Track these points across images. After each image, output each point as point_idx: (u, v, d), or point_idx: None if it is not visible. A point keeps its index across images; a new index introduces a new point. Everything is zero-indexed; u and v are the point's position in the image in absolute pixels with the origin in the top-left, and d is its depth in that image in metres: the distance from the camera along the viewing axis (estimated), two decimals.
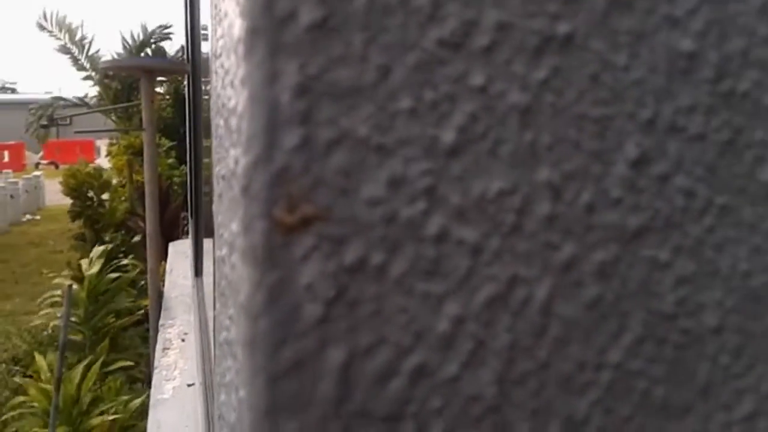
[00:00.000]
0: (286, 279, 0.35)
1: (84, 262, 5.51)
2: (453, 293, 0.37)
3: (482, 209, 0.37)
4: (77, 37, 10.20)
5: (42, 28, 10.27)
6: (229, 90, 0.41)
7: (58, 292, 6.07)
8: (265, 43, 0.34)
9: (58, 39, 10.20)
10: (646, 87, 0.39)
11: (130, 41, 10.03)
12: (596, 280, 0.40)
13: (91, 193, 8.08)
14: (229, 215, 0.41)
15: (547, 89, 0.38)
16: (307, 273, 0.35)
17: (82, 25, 10.34)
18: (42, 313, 6.20)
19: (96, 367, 4.47)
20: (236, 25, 0.36)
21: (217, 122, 0.53)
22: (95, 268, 5.36)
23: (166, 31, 10.24)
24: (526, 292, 0.38)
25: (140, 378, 5.13)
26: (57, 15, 10.27)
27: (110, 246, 6.25)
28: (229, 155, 0.40)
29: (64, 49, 10.26)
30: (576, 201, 0.39)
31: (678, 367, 0.42)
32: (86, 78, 10.05)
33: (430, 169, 0.37)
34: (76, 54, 10.16)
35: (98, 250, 5.54)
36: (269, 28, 0.34)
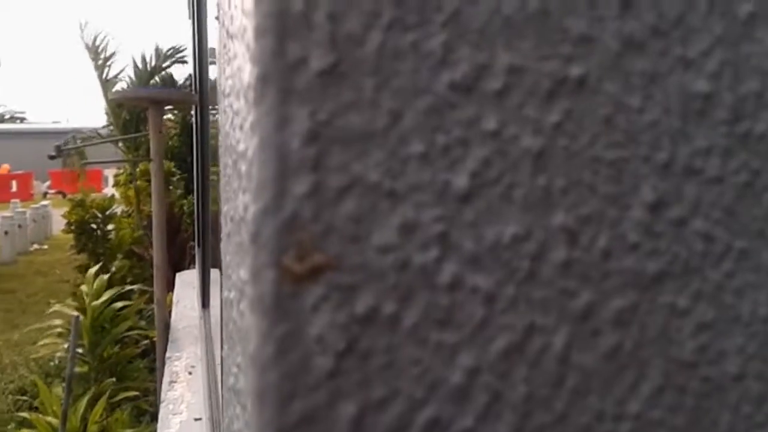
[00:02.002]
0: (296, 330, 0.34)
1: (85, 291, 5.47)
2: (467, 343, 0.36)
3: (496, 256, 0.37)
4: (100, 60, 10.21)
5: (87, 47, 10.19)
6: (239, 132, 0.40)
7: (58, 321, 6.04)
8: (275, 89, 0.34)
9: (94, 61, 10.15)
10: (661, 129, 0.38)
11: (141, 66, 10.01)
12: (614, 328, 0.38)
13: (94, 226, 8.07)
14: (236, 259, 0.41)
15: (560, 132, 0.37)
16: (318, 324, 0.34)
17: (107, 49, 10.28)
18: (42, 343, 6.17)
19: (102, 399, 4.44)
20: (246, 70, 0.36)
21: (226, 161, 0.53)
22: (101, 299, 5.34)
23: (179, 54, 10.22)
24: (543, 341, 0.37)
25: (147, 410, 5.09)
26: (102, 40, 10.25)
27: (115, 275, 6.23)
28: (238, 199, 0.40)
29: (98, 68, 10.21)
30: (592, 246, 0.38)
31: (699, 417, 0.40)
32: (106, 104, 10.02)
33: (442, 215, 0.36)
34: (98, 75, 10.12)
35: (102, 279, 5.51)
36: (280, 75, 0.34)
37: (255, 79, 0.34)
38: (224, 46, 0.53)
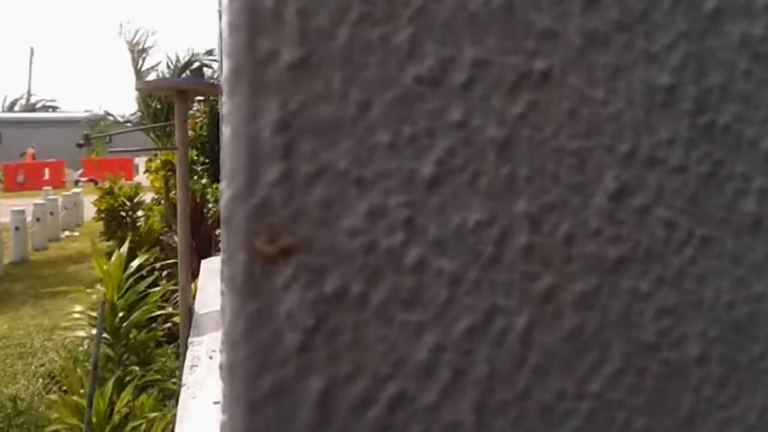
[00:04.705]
0: (266, 308, 0.36)
1: (104, 275, 5.50)
2: (432, 322, 0.38)
3: (461, 240, 0.38)
4: (136, 52, 10.26)
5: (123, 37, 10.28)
6: (223, 124, 0.43)
7: (78, 308, 6.12)
8: (246, 82, 0.36)
9: (131, 52, 10.24)
10: (624, 120, 0.40)
11: (174, 62, 10.15)
12: (576, 311, 0.40)
13: (123, 213, 8.19)
14: (222, 243, 0.43)
15: (524, 123, 0.39)
16: (287, 302, 0.36)
17: (146, 38, 10.33)
18: (69, 327, 6.26)
19: (130, 386, 4.53)
20: (224, 64, 0.38)
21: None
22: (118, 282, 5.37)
23: (211, 57, 10.37)
24: (505, 322, 0.39)
25: (173, 393, 5.17)
26: (135, 32, 10.33)
27: (139, 261, 6.30)
28: (222, 186, 0.42)
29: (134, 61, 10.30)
30: (555, 232, 0.39)
31: (660, 398, 0.42)
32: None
33: (408, 201, 0.38)
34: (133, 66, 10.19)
35: (120, 257, 5.52)
36: (251, 68, 0.36)
37: (228, 72, 0.36)
38: (223, 42, 0.56)
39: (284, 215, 0.36)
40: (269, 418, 0.36)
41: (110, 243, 8.20)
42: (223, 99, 0.39)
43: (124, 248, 5.56)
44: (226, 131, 0.37)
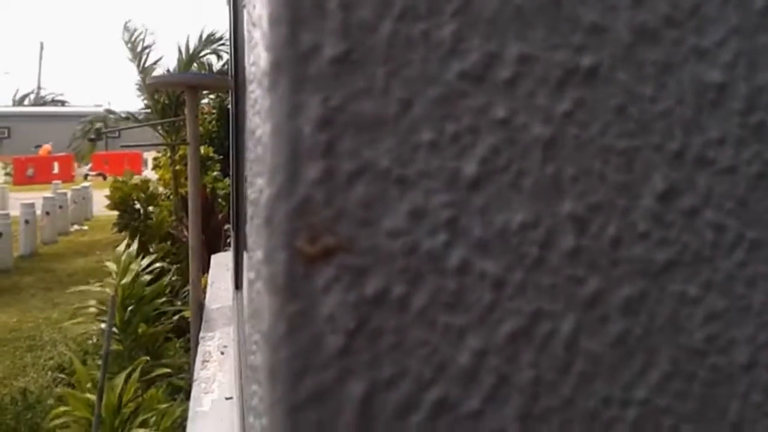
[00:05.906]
0: (308, 309, 0.35)
1: (113, 270, 5.51)
2: (475, 326, 0.37)
3: (505, 242, 0.37)
4: (138, 49, 10.18)
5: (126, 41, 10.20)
6: (257, 119, 0.42)
7: (94, 301, 6.13)
8: (288, 76, 0.35)
9: (131, 50, 10.16)
10: (673, 118, 0.39)
11: (184, 52, 10.07)
12: (622, 315, 0.39)
13: (137, 205, 8.19)
14: (255, 241, 0.42)
15: (571, 121, 0.37)
16: (329, 304, 0.35)
17: (144, 36, 10.25)
18: (74, 322, 6.28)
19: (136, 376, 4.53)
20: (262, 58, 0.37)
21: (249, 145, 0.54)
22: (128, 278, 5.39)
23: (221, 43, 10.28)
24: (550, 327, 0.38)
25: (182, 387, 5.17)
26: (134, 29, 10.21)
27: (155, 256, 6.32)
28: (256, 183, 0.41)
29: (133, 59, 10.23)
30: (601, 234, 0.38)
31: (707, 405, 0.41)
32: (140, 90, 10.08)
33: (451, 201, 0.36)
34: (136, 65, 10.12)
35: (130, 255, 5.53)
36: (293, 62, 0.35)
37: (269, 66, 0.35)
38: (249, 32, 0.54)
39: (325, 214, 0.35)
40: (310, 422, 0.35)
41: (121, 235, 8.19)
42: (261, 93, 0.38)
43: (129, 257, 5.57)
44: (265, 127, 0.36)
